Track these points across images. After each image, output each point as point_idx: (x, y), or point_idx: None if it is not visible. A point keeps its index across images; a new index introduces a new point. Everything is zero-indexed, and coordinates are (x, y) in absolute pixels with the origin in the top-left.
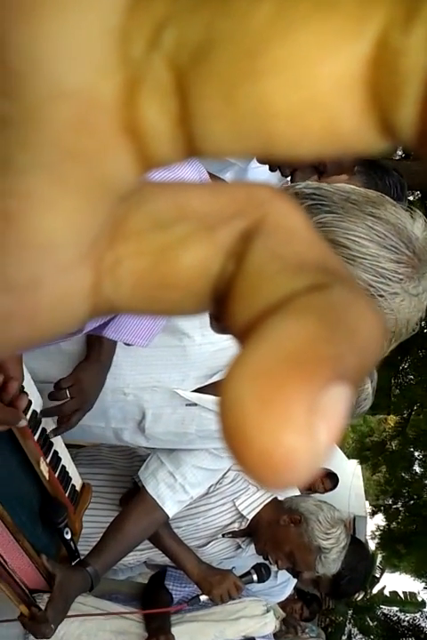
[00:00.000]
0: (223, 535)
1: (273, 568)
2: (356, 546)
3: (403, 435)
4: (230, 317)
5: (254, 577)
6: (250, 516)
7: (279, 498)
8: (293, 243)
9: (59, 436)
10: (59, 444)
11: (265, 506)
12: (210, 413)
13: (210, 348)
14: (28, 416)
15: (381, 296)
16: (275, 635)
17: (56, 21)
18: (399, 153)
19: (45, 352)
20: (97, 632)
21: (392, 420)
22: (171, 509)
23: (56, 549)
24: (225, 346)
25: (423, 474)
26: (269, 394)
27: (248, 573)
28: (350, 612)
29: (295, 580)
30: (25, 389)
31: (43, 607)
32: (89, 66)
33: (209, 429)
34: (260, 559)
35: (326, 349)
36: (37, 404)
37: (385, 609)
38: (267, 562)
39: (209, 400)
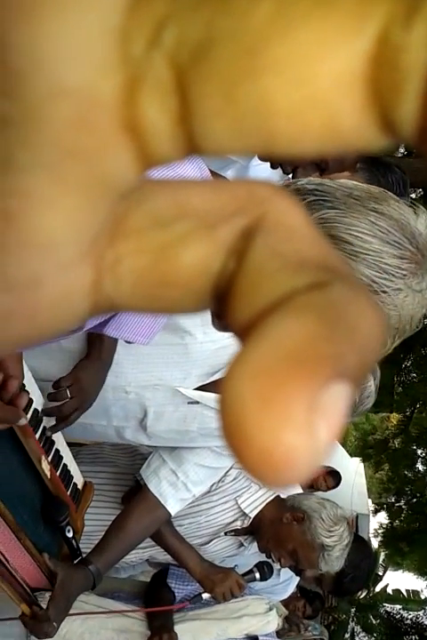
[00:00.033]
0: (226, 533)
1: (276, 566)
2: (359, 544)
3: (406, 433)
4: (231, 315)
5: (257, 575)
6: (252, 514)
7: (282, 496)
8: (293, 240)
9: (60, 435)
10: (60, 442)
11: (267, 504)
12: (212, 411)
13: (212, 345)
14: (29, 415)
15: (384, 292)
16: (278, 633)
17: (56, 21)
18: (402, 150)
19: (46, 350)
20: (99, 630)
21: (395, 417)
22: (173, 507)
23: (58, 548)
24: (227, 344)
25: (426, 471)
26: (270, 392)
27: (251, 571)
28: (352, 609)
29: (298, 578)
30: (26, 388)
31: (44, 606)
32: (89, 65)
33: (211, 427)
34: (262, 557)
35: (326, 347)
36: (38, 402)
37: (388, 607)
38: (269, 560)
39: (211, 398)
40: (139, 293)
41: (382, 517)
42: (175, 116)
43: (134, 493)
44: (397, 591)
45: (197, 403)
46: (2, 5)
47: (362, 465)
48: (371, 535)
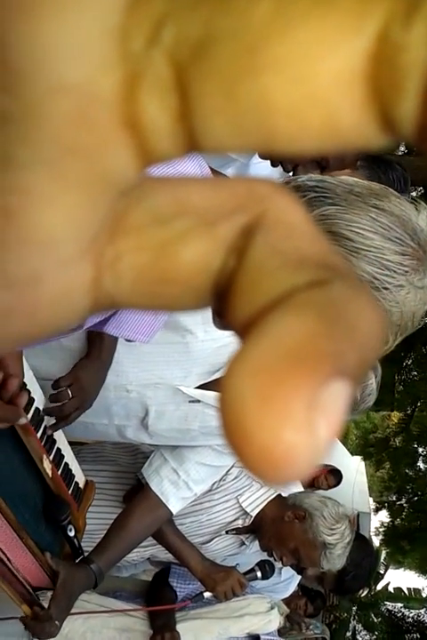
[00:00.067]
0: (227, 532)
1: (277, 565)
2: (360, 542)
3: (407, 431)
4: (231, 313)
5: (258, 574)
6: (254, 513)
7: (283, 494)
8: (293, 238)
9: (62, 434)
10: (62, 441)
11: (269, 502)
12: (213, 410)
13: (212, 344)
14: (30, 413)
15: (386, 289)
16: (279, 631)
17: (56, 20)
18: (402, 148)
19: (47, 349)
20: (101, 629)
21: (396, 416)
22: (174, 506)
23: (60, 547)
24: (228, 342)
25: None
26: (269, 390)
27: (252, 570)
28: (354, 608)
29: (299, 577)
30: (27, 387)
31: (46, 605)
32: (89, 62)
33: (212, 426)
34: (264, 556)
35: (326, 345)
36: (40, 401)
37: (389, 605)
38: (271, 558)
39: (212, 397)
40: (139, 290)
41: (384, 516)
42: (175, 113)
43: (136, 492)
44: (398, 589)
45: (198, 401)
46: (2, 4)
47: (363, 463)
48: (372, 533)
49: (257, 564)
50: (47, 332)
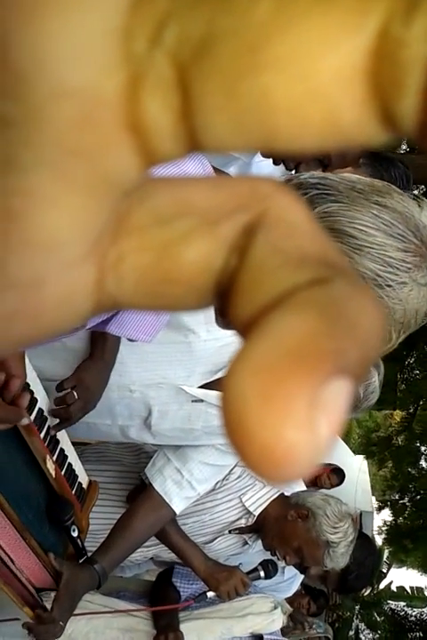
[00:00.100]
0: (230, 531)
1: (280, 564)
2: (363, 541)
3: (409, 430)
4: (233, 312)
5: (262, 573)
6: (257, 512)
7: (286, 493)
8: (295, 237)
9: (65, 434)
10: (65, 441)
11: (272, 502)
12: (216, 409)
13: (215, 343)
14: (33, 414)
15: (388, 286)
16: (282, 630)
17: (58, 21)
18: (404, 147)
19: (50, 350)
20: (104, 630)
21: (398, 415)
22: (178, 506)
23: (63, 547)
24: (230, 341)
25: None
26: (271, 389)
27: (255, 570)
28: (357, 607)
29: (302, 576)
30: (30, 387)
31: (49, 605)
32: (92, 64)
33: (215, 425)
34: (267, 555)
35: (327, 344)
36: (43, 401)
37: (392, 604)
38: (274, 558)
39: (215, 396)
40: (141, 291)
41: (386, 515)
42: (177, 112)
43: (139, 492)
44: (401, 588)
45: (201, 401)
46: (3, 5)
47: (366, 462)
48: (375, 532)
49: (260, 564)
50: (50, 334)
